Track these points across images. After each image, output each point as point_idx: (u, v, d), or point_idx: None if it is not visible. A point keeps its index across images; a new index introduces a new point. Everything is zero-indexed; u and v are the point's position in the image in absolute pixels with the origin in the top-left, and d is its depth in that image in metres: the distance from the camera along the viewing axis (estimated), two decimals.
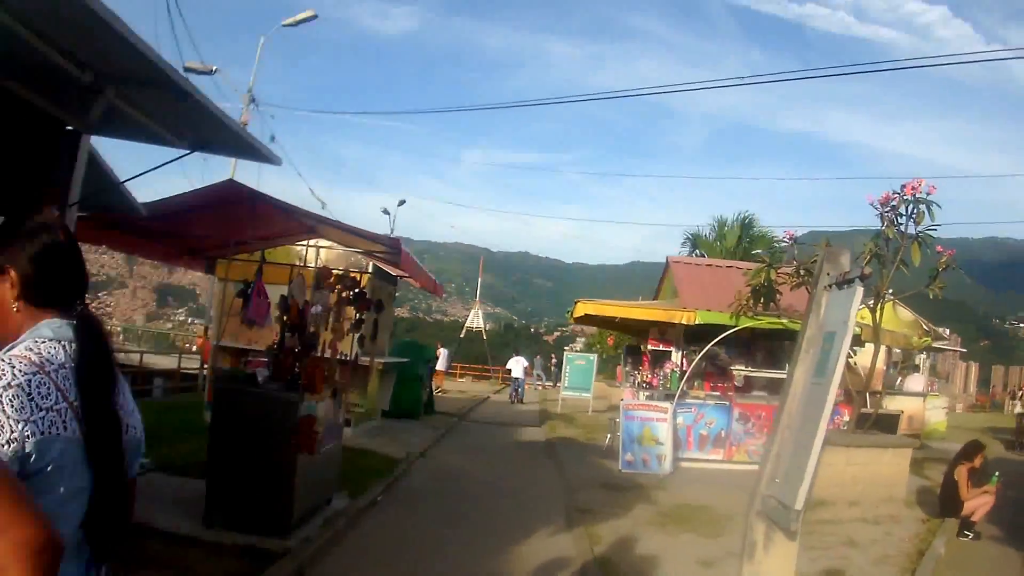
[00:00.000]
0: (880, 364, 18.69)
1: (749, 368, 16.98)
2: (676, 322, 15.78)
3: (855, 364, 18.36)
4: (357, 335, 10.16)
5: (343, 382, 9.90)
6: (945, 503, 11.41)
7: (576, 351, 45.88)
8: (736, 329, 15.14)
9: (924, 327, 22.11)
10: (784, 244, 15.99)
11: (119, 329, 53.29)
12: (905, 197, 12.40)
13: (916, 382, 24.20)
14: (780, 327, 15.66)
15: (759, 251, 27.28)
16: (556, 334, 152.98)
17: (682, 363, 16.68)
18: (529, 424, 24.58)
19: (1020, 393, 30.63)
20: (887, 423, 15.24)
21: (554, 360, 52.25)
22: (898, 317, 28.22)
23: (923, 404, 23.21)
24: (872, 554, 9.46)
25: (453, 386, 41.93)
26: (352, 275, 9.23)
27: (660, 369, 16.56)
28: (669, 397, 15.83)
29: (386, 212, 47.80)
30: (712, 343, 15.18)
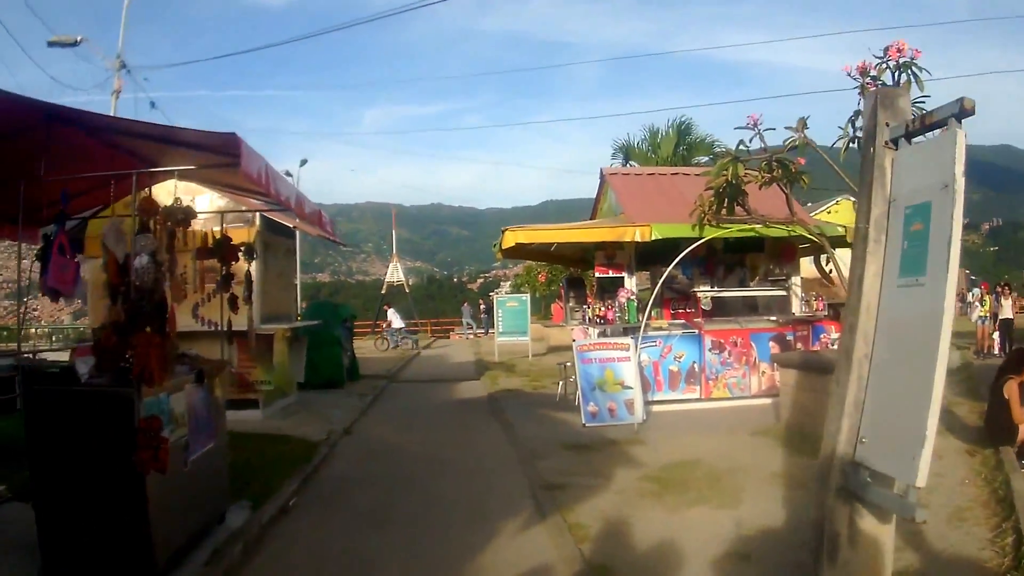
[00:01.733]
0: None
1: (715, 289, 14.72)
2: (628, 241, 13.35)
3: (831, 272, 16.35)
4: (226, 296, 7.55)
5: (216, 360, 7.27)
6: (993, 428, 9.21)
7: (503, 294, 43.68)
8: (701, 241, 12.77)
9: None
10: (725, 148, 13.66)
11: (46, 331, 49.21)
12: (889, 61, 10.03)
13: None
14: (752, 235, 13.37)
15: (700, 158, 24.80)
16: (479, 281, 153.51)
17: (635, 290, 14.35)
18: (466, 378, 22.14)
19: (978, 295, 28.92)
20: None
21: (483, 306, 50.07)
22: None
23: None
24: (939, 509, 7.16)
25: (380, 345, 39.26)
26: (187, 206, 6.44)
27: (612, 300, 14.15)
28: (627, 331, 13.51)
29: (288, 174, 44.54)
30: (679, 258, 12.79)
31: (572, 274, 23.97)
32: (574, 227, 14.81)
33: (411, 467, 10.38)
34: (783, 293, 15.16)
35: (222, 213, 7.80)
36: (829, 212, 30.08)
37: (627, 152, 27.30)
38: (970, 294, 36.64)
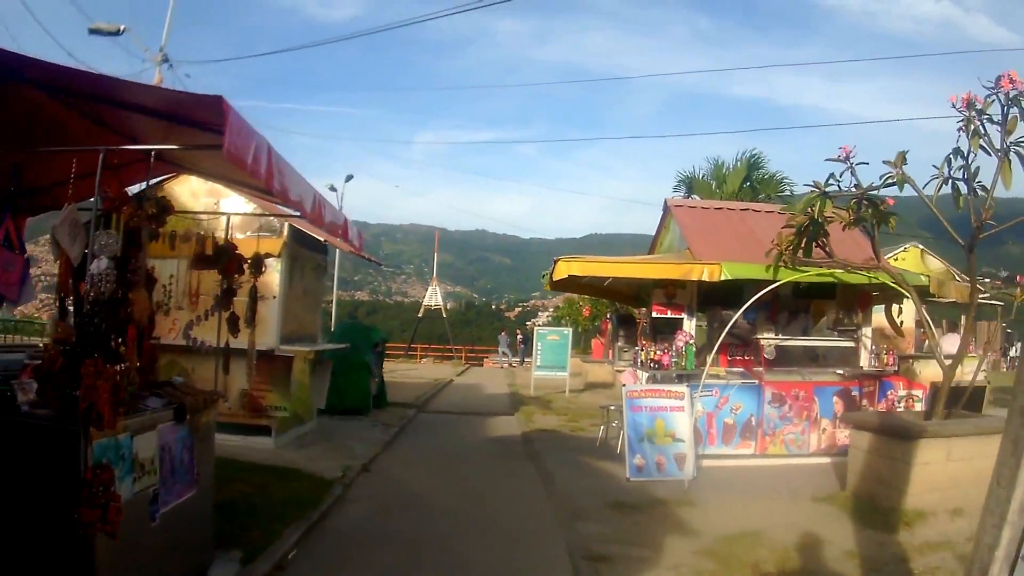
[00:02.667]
0: (909, 323, 15.13)
1: (780, 336, 13.37)
2: (694, 279, 12.04)
3: (901, 324, 14.97)
4: (226, 315, 6.39)
5: (206, 392, 6.10)
6: None
7: (540, 325, 42.40)
8: (776, 285, 11.46)
9: (956, 277, 18.63)
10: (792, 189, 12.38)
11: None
12: (999, 93, 8.82)
13: (951, 343, 20.72)
14: (830, 280, 12.02)
15: (768, 196, 23.16)
16: (517, 310, 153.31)
17: (693, 334, 13.04)
18: (499, 412, 20.84)
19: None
20: (969, 398, 11.52)
21: (520, 336, 48.88)
22: (927, 267, 24.83)
23: (961, 369, 19.79)
24: None
25: (413, 370, 38.07)
26: (162, 197, 5.20)
27: (667, 342, 12.82)
28: (681, 378, 12.25)
29: (333, 189, 43.91)
30: (751, 301, 11.42)
31: (621, 310, 22.64)
32: (634, 261, 13.47)
33: (434, 521, 9.13)
34: (851, 344, 13.80)
35: (228, 216, 6.62)
36: (896, 259, 28.47)
37: (690, 185, 25.49)
38: (1013, 348, 35.51)
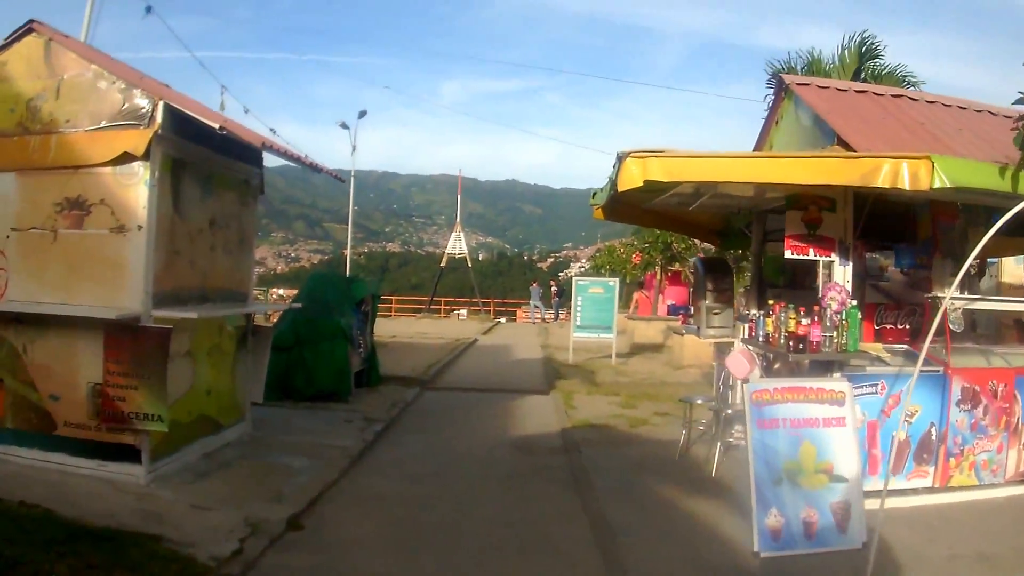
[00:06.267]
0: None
1: (967, 294, 8.25)
2: (884, 186, 6.15)
3: None
4: None
5: None
6: None
7: (579, 275, 37.44)
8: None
9: None
10: None
11: None
12: None
13: None
14: None
15: None
16: (549, 260, 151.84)
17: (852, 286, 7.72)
18: (530, 389, 15.88)
19: None
20: None
21: (555, 288, 44.04)
22: None
23: None
24: None
25: (433, 328, 33.15)
26: None
27: (820, 306, 7.43)
28: (824, 366, 7.30)
29: (345, 126, 39.12)
30: (1001, 221, 5.75)
31: (676, 252, 17.24)
32: (770, 156, 7.93)
33: None
34: None
35: None
36: None
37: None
38: None
